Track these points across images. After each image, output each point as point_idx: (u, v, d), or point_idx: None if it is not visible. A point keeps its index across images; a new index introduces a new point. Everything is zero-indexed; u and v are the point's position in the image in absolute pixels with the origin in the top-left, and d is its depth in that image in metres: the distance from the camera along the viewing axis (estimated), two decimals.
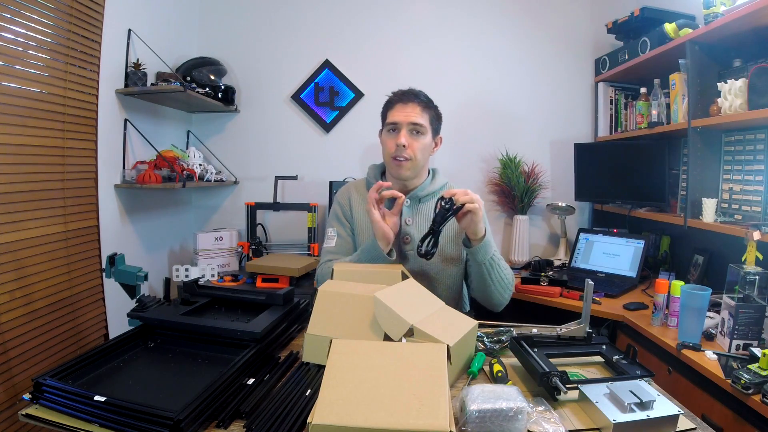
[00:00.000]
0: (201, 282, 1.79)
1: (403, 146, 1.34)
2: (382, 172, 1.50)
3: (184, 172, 2.21)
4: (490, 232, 1.33)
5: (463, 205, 1.19)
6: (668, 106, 1.97)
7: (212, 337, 1.10)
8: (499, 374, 1.00)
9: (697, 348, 1.32)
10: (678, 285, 1.45)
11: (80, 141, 1.79)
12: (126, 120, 2.03)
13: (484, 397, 0.81)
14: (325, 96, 2.64)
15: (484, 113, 2.61)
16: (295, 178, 2.58)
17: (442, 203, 1.21)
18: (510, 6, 2.58)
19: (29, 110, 1.55)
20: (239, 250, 2.46)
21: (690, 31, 1.77)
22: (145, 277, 1.24)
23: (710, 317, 1.44)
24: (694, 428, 0.84)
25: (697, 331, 1.36)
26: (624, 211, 2.24)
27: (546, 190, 2.61)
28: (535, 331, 1.29)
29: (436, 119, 1.43)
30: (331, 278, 1.22)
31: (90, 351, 1.01)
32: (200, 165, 2.41)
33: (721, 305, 1.35)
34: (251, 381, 0.96)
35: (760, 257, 1.40)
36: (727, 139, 1.73)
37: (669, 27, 1.86)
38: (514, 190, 2.51)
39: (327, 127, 2.66)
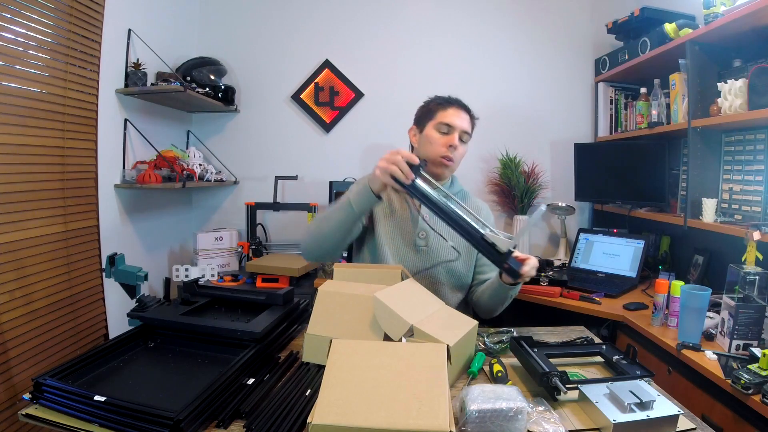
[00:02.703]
0: (201, 282, 1.79)
1: (455, 148, 1.38)
2: None
3: (184, 172, 2.21)
4: None
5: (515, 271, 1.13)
6: (668, 106, 1.97)
7: (212, 337, 1.10)
8: (499, 374, 1.00)
9: (697, 348, 1.32)
10: (678, 285, 1.45)
11: (80, 141, 1.79)
12: (126, 120, 2.03)
13: (484, 397, 0.81)
14: (325, 96, 2.64)
15: (484, 113, 2.57)
16: (295, 178, 2.58)
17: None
18: (510, 6, 2.59)
19: (29, 110, 1.55)
20: (239, 250, 2.46)
21: (690, 31, 1.77)
22: (145, 277, 1.24)
23: (710, 317, 1.44)
24: (694, 428, 0.84)
25: (697, 331, 1.36)
26: (624, 211, 2.24)
27: (546, 190, 2.61)
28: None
29: (472, 131, 1.49)
30: (331, 278, 1.22)
31: (90, 351, 1.01)
32: (200, 165, 2.41)
33: (721, 305, 1.35)
34: (251, 381, 0.96)
35: (760, 257, 1.40)
36: (727, 139, 1.73)
37: (669, 27, 1.86)
38: (514, 190, 2.51)
39: (327, 127, 2.66)
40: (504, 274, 1.20)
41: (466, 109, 1.44)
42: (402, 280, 1.17)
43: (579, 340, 1.19)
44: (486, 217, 1.51)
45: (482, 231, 1.12)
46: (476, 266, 1.48)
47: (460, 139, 1.40)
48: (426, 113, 1.44)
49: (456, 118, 1.40)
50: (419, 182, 1.16)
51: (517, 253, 1.14)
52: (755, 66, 1.47)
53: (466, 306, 1.51)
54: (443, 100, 1.44)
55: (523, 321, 1.69)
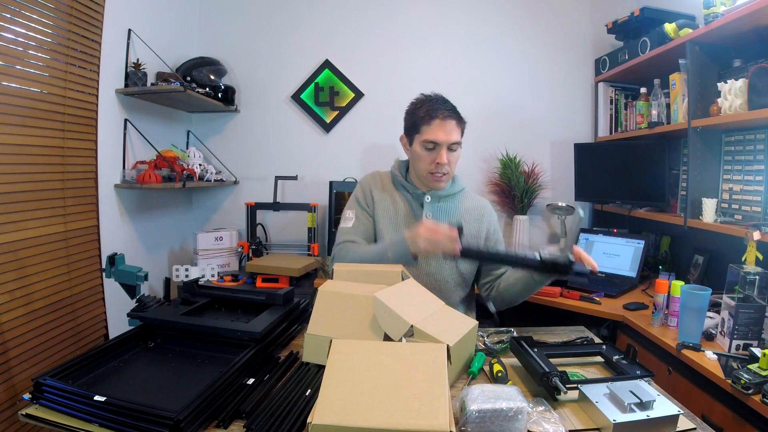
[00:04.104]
0: (201, 282, 1.79)
1: (446, 164, 1.36)
2: (407, 168, 1.51)
3: (184, 172, 2.21)
4: None
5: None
6: (668, 106, 1.97)
7: (212, 337, 1.10)
8: (499, 374, 1.00)
9: (697, 348, 1.32)
10: (678, 285, 1.45)
11: (80, 141, 1.78)
12: (126, 120, 2.03)
13: (484, 397, 0.81)
14: (325, 96, 2.64)
15: (484, 113, 2.60)
16: (295, 178, 2.58)
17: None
18: (510, 6, 2.59)
19: (29, 110, 1.55)
20: (239, 250, 2.46)
21: (690, 31, 1.77)
22: (145, 277, 1.24)
23: (710, 317, 1.44)
24: (694, 428, 0.84)
25: (697, 331, 1.36)
26: (624, 211, 2.24)
27: (546, 190, 2.61)
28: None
29: (464, 129, 1.43)
30: (331, 278, 1.22)
31: (90, 351, 1.01)
32: (200, 165, 2.41)
33: (721, 305, 1.35)
34: (251, 381, 0.96)
35: (760, 257, 1.40)
36: (727, 139, 1.73)
37: (669, 27, 1.86)
38: (514, 190, 2.51)
39: (327, 127, 2.66)
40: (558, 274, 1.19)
41: (452, 116, 1.36)
42: (402, 280, 1.17)
43: (579, 340, 1.19)
44: (489, 214, 1.51)
45: (537, 256, 1.16)
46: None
47: (450, 149, 1.37)
48: (412, 126, 1.40)
49: (440, 132, 1.34)
50: (464, 245, 1.20)
51: (578, 251, 1.16)
52: (755, 66, 1.47)
53: (469, 301, 1.51)
54: (425, 111, 1.37)
55: (523, 321, 1.69)
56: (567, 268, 1.13)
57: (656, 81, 2.01)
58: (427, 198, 1.44)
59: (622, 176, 2.22)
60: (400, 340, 0.95)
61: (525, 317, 1.96)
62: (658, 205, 2.09)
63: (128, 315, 1.18)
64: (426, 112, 1.36)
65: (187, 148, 2.58)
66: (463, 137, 1.44)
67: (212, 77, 2.39)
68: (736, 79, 1.53)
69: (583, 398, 0.89)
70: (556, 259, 1.13)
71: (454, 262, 1.42)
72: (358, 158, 2.65)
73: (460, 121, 1.40)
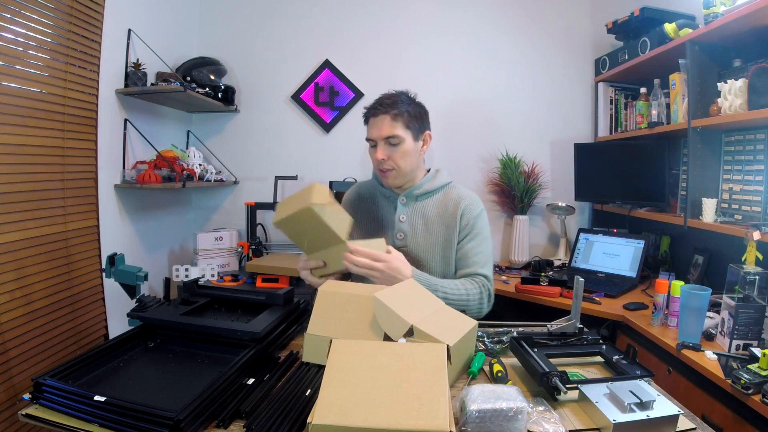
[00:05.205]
0: (201, 282, 1.79)
1: (383, 160, 1.37)
2: None
3: (184, 172, 2.21)
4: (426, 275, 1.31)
5: None
6: (668, 106, 1.97)
7: (212, 337, 1.10)
8: (499, 374, 1.00)
9: (697, 348, 1.32)
10: (678, 285, 1.45)
11: (80, 141, 1.78)
12: (126, 120, 2.03)
13: (484, 397, 0.81)
14: (325, 96, 2.64)
15: (484, 113, 2.61)
16: (295, 178, 2.58)
17: None
18: (510, 6, 2.59)
19: (29, 110, 1.55)
20: (239, 250, 2.46)
21: (690, 31, 1.77)
22: (145, 277, 1.24)
23: (710, 317, 1.44)
24: (694, 428, 0.84)
25: (697, 331, 1.36)
26: (624, 211, 2.24)
27: (546, 190, 2.61)
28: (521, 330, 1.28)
29: (415, 120, 1.37)
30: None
31: (90, 351, 1.01)
32: (200, 165, 2.41)
33: (721, 305, 1.35)
34: (251, 381, 0.96)
35: (760, 257, 1.40)
36: (727, 139, 1.73)
37: (669, 27, 1.86)
38: (514, 190, 2.51)
39: (327, 127, 2.66)
40: None
41: (384, 111, 1.35)
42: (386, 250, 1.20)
43: (582, 339, 1.18)
44: (469, 207, 1.41)
45: (546, 330, 1.19)
46: (460, 260, 1.42)
47: (390, 144, 1.36)
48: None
49: (373, 129, 1.38)
50: None
51: None
52: (755, 66, 1.47)
53: None
54: (364, 112, 1.43)
55: (523, 321, 1.68)
56: (576, 336, 1.19)
57: (656, 81, 2.01)
58: (402, 199, 1.43)
59: (622, 176, 2.22)
60: (400, 340, 0.95)
61: (525, 317, 1.96)
62: (658, 205, 2.09)
63: (128, 315, 1.18)
64: (364, 113, 1.43)
65: (187, 148, 2.58)
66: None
67: (212, 77, 2.39)
68: (736, 79, 1.53)
69: (583, 398, 0.89)
70: (565, 330, 1.18)
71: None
72: (358, 158, 2.65)
73: (399, 115, 1.35)
